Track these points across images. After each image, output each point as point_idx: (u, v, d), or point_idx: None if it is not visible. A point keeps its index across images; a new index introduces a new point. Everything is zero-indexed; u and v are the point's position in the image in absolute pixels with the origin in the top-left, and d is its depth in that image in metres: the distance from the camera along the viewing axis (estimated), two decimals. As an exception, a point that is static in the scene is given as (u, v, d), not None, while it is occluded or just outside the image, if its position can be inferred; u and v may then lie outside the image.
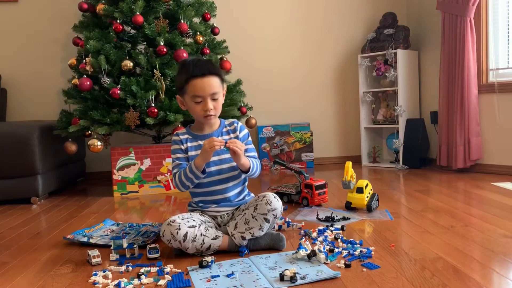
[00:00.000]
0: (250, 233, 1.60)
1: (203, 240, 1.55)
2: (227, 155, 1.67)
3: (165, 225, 1.56)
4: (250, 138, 1.77)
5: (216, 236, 1.58)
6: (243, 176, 1.72)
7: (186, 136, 1.72)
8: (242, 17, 3.78)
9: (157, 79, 2.70)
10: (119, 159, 2.86)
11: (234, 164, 1.66)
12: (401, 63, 3.53)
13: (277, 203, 1.63)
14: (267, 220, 1.61)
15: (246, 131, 1.77)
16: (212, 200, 1.71)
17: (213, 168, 1.67)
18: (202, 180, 1.65)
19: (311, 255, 1.47)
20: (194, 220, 1.59)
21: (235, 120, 1.80)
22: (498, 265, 1.40)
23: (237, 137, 1.71)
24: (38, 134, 2.73)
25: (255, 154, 1.75)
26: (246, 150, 1.70)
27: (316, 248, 1.55)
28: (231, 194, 1.72)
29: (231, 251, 1.60)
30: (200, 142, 1.66)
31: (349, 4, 3.89)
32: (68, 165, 3.25)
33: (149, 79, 2.72)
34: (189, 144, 1.70)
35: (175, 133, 1.76)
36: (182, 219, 1.57)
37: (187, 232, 1.53)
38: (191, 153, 1.69)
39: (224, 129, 1.74)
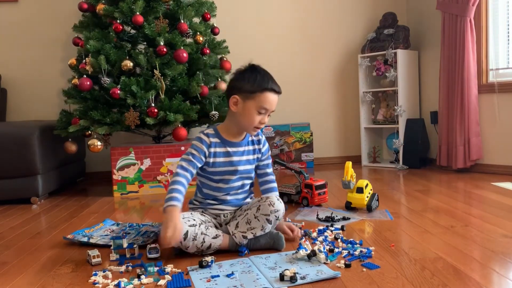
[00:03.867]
0: (252, 233, 1.61)
1: (203, 239, 1.55)
2: (251, 166, 1.72)
3: None
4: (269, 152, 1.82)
5: (216, 235, 1.58)
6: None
7: (215, 139, 1.65)
8: (242, 17, 3.79)
9: (157, 79, 2.70)
10: (119, 159, 2.87)
11: (252, 174, 1.75)
12: (401, 63, 3.53)
13: (280, 205, 1.65)
14: (269, 221, 1.61)
15: (267, 145, 1.80)
16: (219, 197, 1.70)
17: (242, 167, 1.68)
18: (229, 177, 1.67)
19: (311, 255, 1.47)
20: (194, 220, 1.59)
21: (259, 131, 1.78)
22: (498, 265, 1.40)
23: (259, 150, 1.75)
24: (38, 134, 2.73)
25: (271, 169, 1.81)
26: (267, 166, 1.79)
27: (316, 248, 1.55)
28: (241, 196, 1.74)
29: (231, 251, 1.60)
30: (229, 149, 1.66)
31: (349, 4, 3.89)
32: (68, 165, 3.25)
33: (149, 79, 2.72)
34: (217, 150, 1.65)
35: (205, 132, 1.67)
36: (183, 218, 1.57)
37: (187, 231, 1.53)
38: (219, 159, 1.65)
39: (250, 139, 1.73)
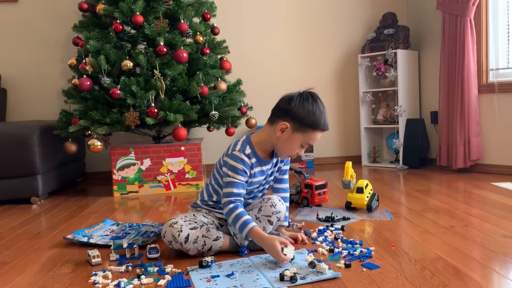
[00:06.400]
0: None
1: (204, 242, 1.55)
2: (271, 178, 1.71)
3: (167, 226, 1.55)
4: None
5: (217, 237, 1.58)
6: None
7: (253, 159, 1.58)
8: (242, 17, 3.79)
9: (157, 79, 2.70)
10: (119, 159, 2.86)
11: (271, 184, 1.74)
12: (401, 63, 3.53)
13: (282, 206, 1.65)
14: (270, 222, 1.62)
15: (289, 165, 1.79)
16: None
17: (259, 178, 1.65)
18: (254, 192, 1.68)
19: (314, 265, 1.41)
20: (196, 222, 1.59)
21: None
22: (498, 265, 1.40)
23: (279, 168, 1.72)
24: (38, 134, 2.73)
25: (287, 176, 1.79)
26: (285, 172, 1.76)
27: (313, 258, 1.47)
28: (251, 201, 1.73)
29: (232, 251, 1.60)
30: (263, 168, 1.62)
31: (349, 4, 3.89)
32: (68, 165, 3.25)
33: (149, 79, 2.72)
34: (256, 170, 1.60)
35: (244, 152, 1.56)
36: (185, 221, 1.57)
37: (188, 234, 1.53)
38: (255, 179, 1.62)
39: (276, 158, 1.70)
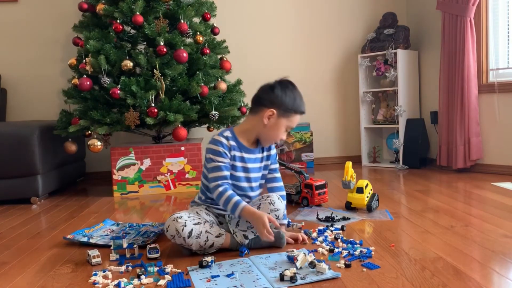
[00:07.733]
0: (253, 231, 1.61)
1: (207, 237, 1.56)
2: (260, 173, 1.74)
3: (171, 220, 1.55)
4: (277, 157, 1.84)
5: (219, 233, 1.59)
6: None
7: (233, 143, 1.64)
8: (242, 17, 3.79)
9: (157, 79, 2.70)
10: (119, 159, 2.87)
11: (262, 181, 1.77)
12: (401, 63, 3.53)
13: (281, 204, 1.67)
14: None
15: (275, 151, 1.82)
16: None
17: (253, 175, 1.68)
18: (242, 184, 1.68)
19: (314, 265, 1.41)
20: (199, 218, 1.60)
21: None
22: (498, 265, 1.40)
23: (269, 156, 1.75)
24: (38, 134, 2.73)
25: (279, 174, 1.81)
26: (275, 170, 1.79)
27: (313, 258, 1.46)
28: (247, 200, 1.72)
29: (232, 250, 1.60)
30: (244, 155, 1.65)
31: (349, 4, 3.89)
32: (68, 165, 3.25)
33: (149, 79, 2.72)
34: (236, 154, 1.64)
35: (223, 134, 1.65)
36: (189, 217, 1.57)
37: (192, 229, 1.54)
38: (237, 163, 1.64)
39: (260, 146, 1.72)
